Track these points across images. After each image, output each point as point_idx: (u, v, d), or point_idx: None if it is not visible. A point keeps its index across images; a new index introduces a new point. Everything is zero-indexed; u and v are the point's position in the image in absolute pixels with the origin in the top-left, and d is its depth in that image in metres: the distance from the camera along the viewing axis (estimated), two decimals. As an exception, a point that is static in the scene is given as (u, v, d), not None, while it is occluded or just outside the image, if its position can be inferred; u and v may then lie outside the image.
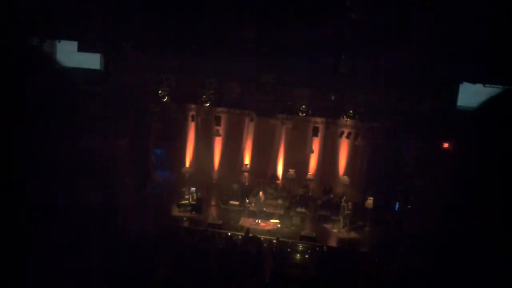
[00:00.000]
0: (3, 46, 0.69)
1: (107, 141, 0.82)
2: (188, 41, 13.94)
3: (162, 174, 20.57)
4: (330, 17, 12.99)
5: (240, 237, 15.63)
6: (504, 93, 0.81)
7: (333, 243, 17.20)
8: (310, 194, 20.85)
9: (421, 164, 15.48)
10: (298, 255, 15.94)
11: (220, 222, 17.75)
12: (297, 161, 21.44)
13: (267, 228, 17.89)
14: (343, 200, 18.73)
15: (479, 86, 14.16)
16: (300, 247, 16.27)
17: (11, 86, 0.64)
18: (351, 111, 16.75)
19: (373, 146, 19.39)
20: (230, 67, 14.92)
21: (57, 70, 0.76)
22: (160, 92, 17.03)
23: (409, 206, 17.47)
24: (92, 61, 15.78)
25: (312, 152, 21.42)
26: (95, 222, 0.72)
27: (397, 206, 18.52)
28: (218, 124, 20.90)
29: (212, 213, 19.43)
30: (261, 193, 19.66)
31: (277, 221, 18.41)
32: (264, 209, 19.00)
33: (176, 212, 18.86)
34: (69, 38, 14.68)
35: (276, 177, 21.76)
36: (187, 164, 22.00)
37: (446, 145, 15.30)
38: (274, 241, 15.93)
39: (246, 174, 21.89)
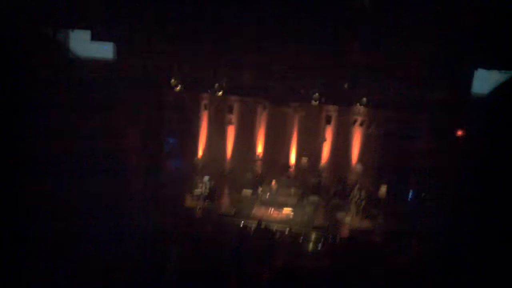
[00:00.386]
0: (17, 36, 0.69)
1: (120, 130, 0.82)
2: (202, 29, 13.90)
3: (175, 163, 20.65)
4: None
5: (252, 226, 15.65)
6: None
7: (345, 232, 17.18)
8: (323, 183, 20.82)
9: (435, 153, 15.33)
10: (311, 244, 15.95)
11: (233, 211, 17.83)
12: (310, 149, 21.41)
13: (280, 217, 17.93)
14: (356, 188, 18.67)
15: (493, 72, 13.92)
16: (313, 237, 16.28)
17: (24, 75, 0.65)
18: (364, 99, 16.61)
19: (387, 135, 19.25)
20: (243, 56, 14.86)
21: (70, 60, 0.76)
22: (172, 81, 17.06)
23: (423, 194, 17.35)
24: (105, 50, 15.82)
25: (325, 140, 21.36)
26: (108, 214, 0.73)
27: (410, 195, 18.41)
28: (231, 113, 20.98)
29: (225, 202, 19.51)
30: (273, 182, 19.70)
31: (290, 209, 18.45)
32: (277, 198, 19.04)
33: (189, 201, 18.96)
34: (82, 27, 14.71)
35: (289, 166, 21.75)
36: (200, 153, 22.08)
37: (460, 132, 15.14)
38: (287, 231, 15.96)
39: (259, 163, 21.91)
